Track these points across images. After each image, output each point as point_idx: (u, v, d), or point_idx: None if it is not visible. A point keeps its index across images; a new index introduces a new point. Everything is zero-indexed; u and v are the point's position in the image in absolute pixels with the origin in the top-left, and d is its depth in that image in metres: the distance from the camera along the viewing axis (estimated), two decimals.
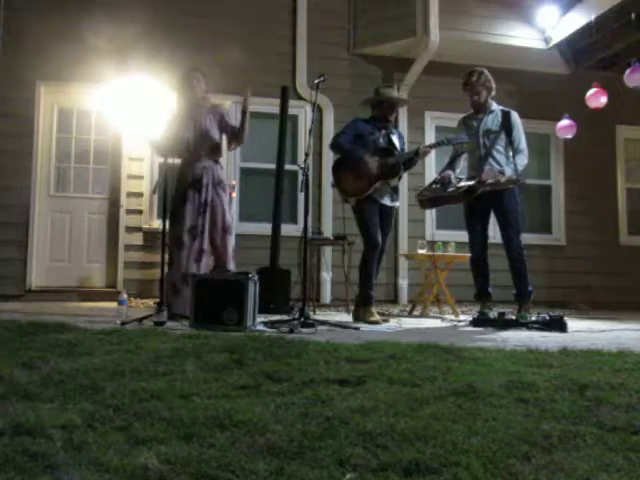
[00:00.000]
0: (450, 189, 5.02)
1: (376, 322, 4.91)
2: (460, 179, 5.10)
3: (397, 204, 5.31)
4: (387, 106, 5.17)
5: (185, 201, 4.65)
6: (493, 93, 5.12)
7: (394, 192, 5.20)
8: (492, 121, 5.04)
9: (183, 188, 4.69)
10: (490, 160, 4.96)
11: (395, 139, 5.21)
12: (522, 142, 5.01)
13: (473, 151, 5.09)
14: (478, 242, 5.07)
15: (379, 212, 5.11)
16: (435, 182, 5.24)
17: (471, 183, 4.92)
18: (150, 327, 3.91)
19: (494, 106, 5.11)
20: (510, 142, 4.95)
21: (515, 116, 5.05)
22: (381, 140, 5.15)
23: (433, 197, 5.18)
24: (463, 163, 5.29)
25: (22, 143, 7.13)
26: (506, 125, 4.98)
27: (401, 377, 2.21)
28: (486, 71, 5.10)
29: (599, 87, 7.42)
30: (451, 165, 5.22)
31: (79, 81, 7.25)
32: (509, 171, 4.89)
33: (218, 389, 1.99)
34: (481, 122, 5.05)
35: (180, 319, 4.29)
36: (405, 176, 7.95)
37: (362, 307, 5.11)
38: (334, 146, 5.20)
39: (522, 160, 4.96)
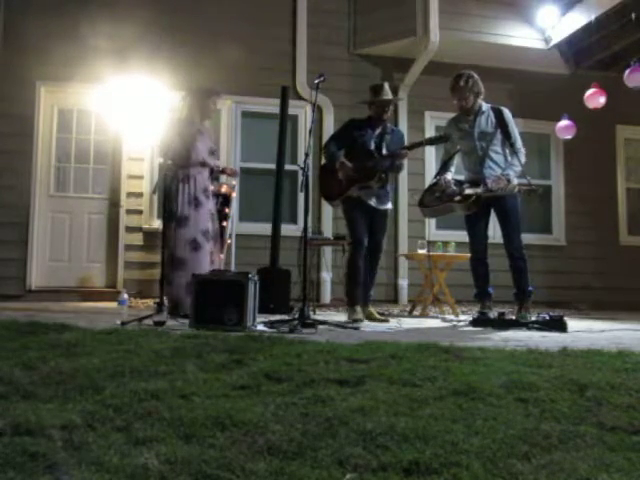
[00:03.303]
0: (456, 198, 4.90)
1: (359, 320, 4.92)
2: (461, 183, 5.00)
3: (387, 207, 5.23)
4: (378, 105, 5.16)
5: (197, 206, 4.84)
6: (482, 96, 5.03)
7: (384, 194, 5.16)
8: (486, 122, 4.96)
9: (194, 194, 4.84)
10: (489, 162, 4.90)
11: (388, 138, 5.16)
12: (518, 139, 4.97)
13: (469, 153, 5.01)
14: (478, 242, 5.04)
15: (366, 213, 5.09)
16: (433, 186, 5.09)
17: (478, 191, 4.81)
18: (150, 327, 3.91)
19: (484, 106, 5.02)
20: (510, 143, 4.89)
21: (507, 113, 5.00)
22: (372, 141, 5.12)
23: (439, 207, 5.05)
24: (456, 162, 5.23)
25: (22, 143, 7.13)
26: (501, 124, 4.92)
27: (401, 377, 2.21)
28: (474, 75, 5.00)
29: (598, 87, 7.43)
30: (446, 166, 5.12)
31: (79, 81, 7.25)
32: (512, 174, 4.85)
33: (218, 389, 1.99)
34: (474, 124, 4.97)
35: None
36: (405, 176, 8.03)
37: (347, 306, 5.16)
38: (324, 148, 5.27)
39: (522, 159, 4.94)
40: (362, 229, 5.08)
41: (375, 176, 5.00)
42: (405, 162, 5.41)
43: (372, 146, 5.11)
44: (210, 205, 4.96)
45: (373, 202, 5.10)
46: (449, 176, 5.03)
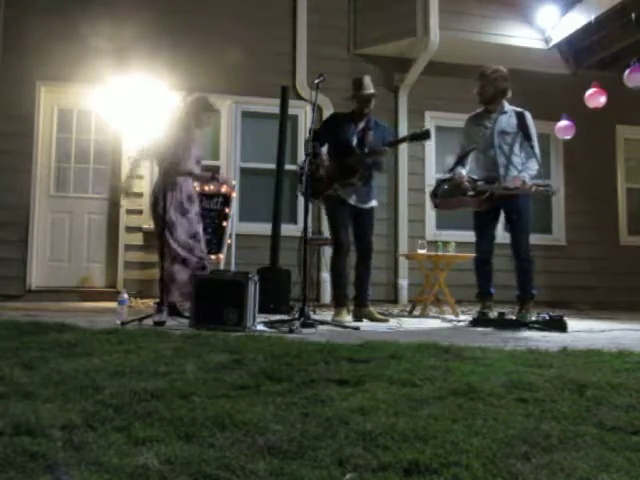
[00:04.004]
0: (470, 193, 4.88)
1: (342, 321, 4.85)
2: (475, 180, 4.97)
3: (371, 204, 5.13)
4: (359, 100, 5.08)
5: (184, 213, 4.89)
6: (507, 95, 5.01)
7: (366, 192, 5.07)
8: (507, 122, 4.95)
9: (179, 200, 4.89)
10: (505, 162, 4.87)
11: (372, 133, 5.05)
12: (537, 145, 4.97)
13: (486, 151, 4.98)
14: (486, 242, 5.00)
15: (348, 212, 5.04)
16: (447, 180, 5.04)
17: (493, 188, 4.80)
18: (150, 327, 3.91)
19: (507, 107, 5.02)
20: (530, 146, 4.89)
21: (529, 116, 4.99)
22: (354, 137, 5.04)
23: (451, 200, 5.01)
24: (470, 160, 5.21)
25: (22, 143, 7.13)
26: (523, 127, 4.90)
27: (401, 377, 2.21)
28: (505, 72, 4.98)
29: (598, 87, 7.43)
30: (460, 162, 5.08)
31: (79, 81, 7.25)
32: (527, 177, 4.83)
33: (218, 389, 1.99)
34: (495, 122, 4.96)
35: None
36: (405, 176, 8.04)
37: (334, 307, 5.15)
38: (306, 144, 5.09)
39: (539, 162, 4.95)
40: (343, 230, 5.02)
41: (356, 174, 4.92)
42: (386, 160, 5.26)
43: (354, 141, 5.03)
44: (195, 209, 4.99)
45: (353, 200, 5.03)
46: (463, 172, 5.01)
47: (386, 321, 5.09)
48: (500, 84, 4.97)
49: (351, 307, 5.21)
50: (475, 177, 5.02)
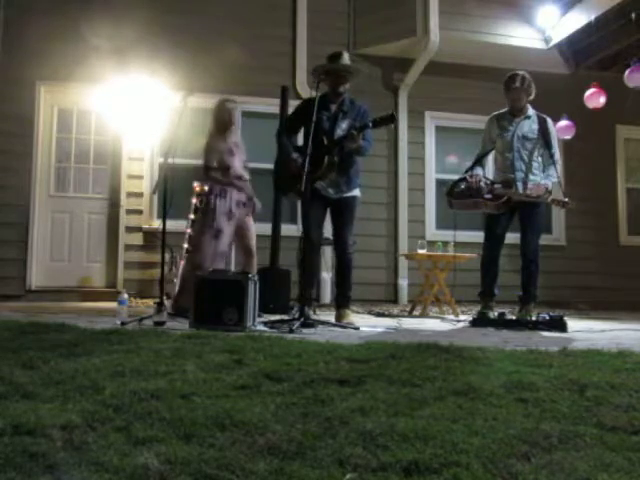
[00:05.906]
0: (487, 196, 4.84)
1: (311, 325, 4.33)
2: (492, 182, 4.94)
3: (349, 194, 4.69)
4: (333, 78, 4.69)
5: (231, 219, 4.94)
6: (532, 97, 5.01)
7: (344, 182, 4.67)
8: (529, 127, 4.93)
9: (229, 207, 4.95)
10: (523, 166, 4.87)
11: (344, 120, 4.67)
12: (557, 151, 4.97)
13: (505, 153, 4.95)
14: (496, 242, 4.98)
15: (323, 204, 4.69)
16: (463, 180, 4.99)
17: (513, 192, 4.79)
18: (150, 327, 3.91)
19: (530, 111, 5.00)
20: (551, 154, 4.88)
21: (551, 123, 4.99)
22: (327, 122, 4.66)
23: (466, 201, 4.94)
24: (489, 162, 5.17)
25: (22, 143, 7.13)
26: (544, 133, 4.89)
27: (401, 377, 2.21)
28: (528, 76, 4.98)
29: (597, 87, 7.43)
30: (480, 162, 5.07)
31: (79, 81, 7.25)
32: (549, 184, 4.83)
33: (218, 389, 1.99)
34: (517, 126, 4.94)
35: None
36: (405, 175, 8.03)
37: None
38: (276, 136, 4.95)
39: (559, 170, 4.94)
40: (312, 224, 4.58)
41: (322, 166, 4.50)
42: (367, 143, 4.66)
43: (326, 127, 4.66)
44: (239, 215, 5.01)
45: (328, 192, 4.66)
46: (481, 172, 5.00)
47: (355, 327, 4.44)
48: (530, 89, 4.97)
49: (354, 308, 5.11)
50: (491, 179, 5.00)
